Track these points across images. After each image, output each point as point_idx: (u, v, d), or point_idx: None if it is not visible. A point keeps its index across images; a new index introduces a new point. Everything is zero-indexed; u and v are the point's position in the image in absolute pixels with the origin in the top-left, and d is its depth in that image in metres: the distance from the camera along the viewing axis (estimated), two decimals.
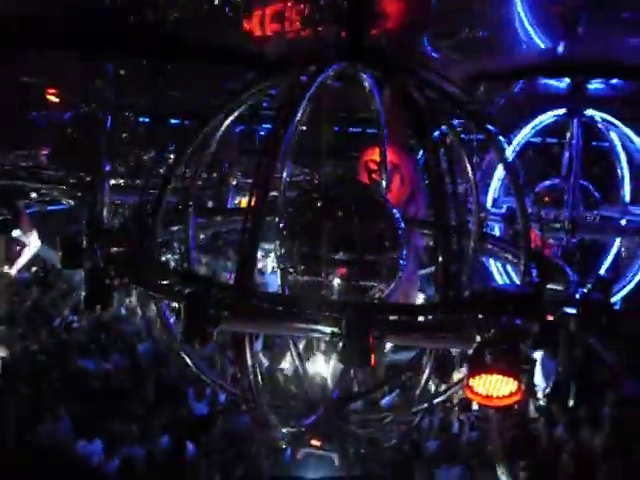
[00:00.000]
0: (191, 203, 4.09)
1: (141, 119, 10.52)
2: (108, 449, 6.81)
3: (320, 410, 4.41)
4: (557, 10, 9.08)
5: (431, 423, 7.79)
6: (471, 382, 3.32)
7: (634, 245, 8.52)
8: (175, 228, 4.11)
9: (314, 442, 4.73)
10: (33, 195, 9.93)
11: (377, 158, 6.10)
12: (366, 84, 4.58)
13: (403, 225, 4.22)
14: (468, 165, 4.47)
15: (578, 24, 8.60)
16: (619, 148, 8.76)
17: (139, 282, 3.22)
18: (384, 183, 5.39)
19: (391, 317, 3.03)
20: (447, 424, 8.10)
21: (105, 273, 3.08)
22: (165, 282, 3.11)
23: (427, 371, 3.73)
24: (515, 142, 8.27)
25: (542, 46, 9.25)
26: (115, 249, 3.27)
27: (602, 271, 8.45)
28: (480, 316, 2.93)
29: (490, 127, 4.72)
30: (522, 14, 9.34)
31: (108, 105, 9.88)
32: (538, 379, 8.24)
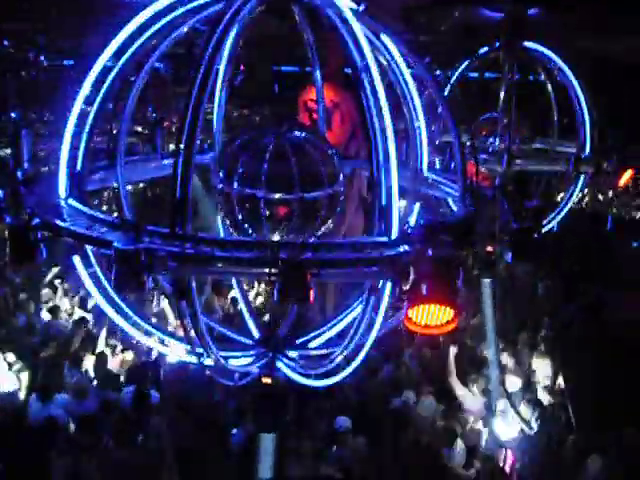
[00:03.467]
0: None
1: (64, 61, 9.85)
2: None
3: (267, 348, 4.50)
4: None
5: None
6: (410, 313, 3.43)
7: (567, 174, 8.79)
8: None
9: (265, 380, 4.84)
10: None
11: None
12: (297, 18, 4.43)
13: (340, 162, 4.21)
14: (406, 100, 4.45)
15: None
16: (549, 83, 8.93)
17: (65, 233, 3.10)
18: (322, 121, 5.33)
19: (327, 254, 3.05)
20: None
21: (28, 226, 2.94)
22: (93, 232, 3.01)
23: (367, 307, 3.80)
24: (454, 77, 8.26)
25: None
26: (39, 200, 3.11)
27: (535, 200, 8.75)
28: (413, 248, 2.98)
29: (425, 59, 4.68)
30: None
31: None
32: None
